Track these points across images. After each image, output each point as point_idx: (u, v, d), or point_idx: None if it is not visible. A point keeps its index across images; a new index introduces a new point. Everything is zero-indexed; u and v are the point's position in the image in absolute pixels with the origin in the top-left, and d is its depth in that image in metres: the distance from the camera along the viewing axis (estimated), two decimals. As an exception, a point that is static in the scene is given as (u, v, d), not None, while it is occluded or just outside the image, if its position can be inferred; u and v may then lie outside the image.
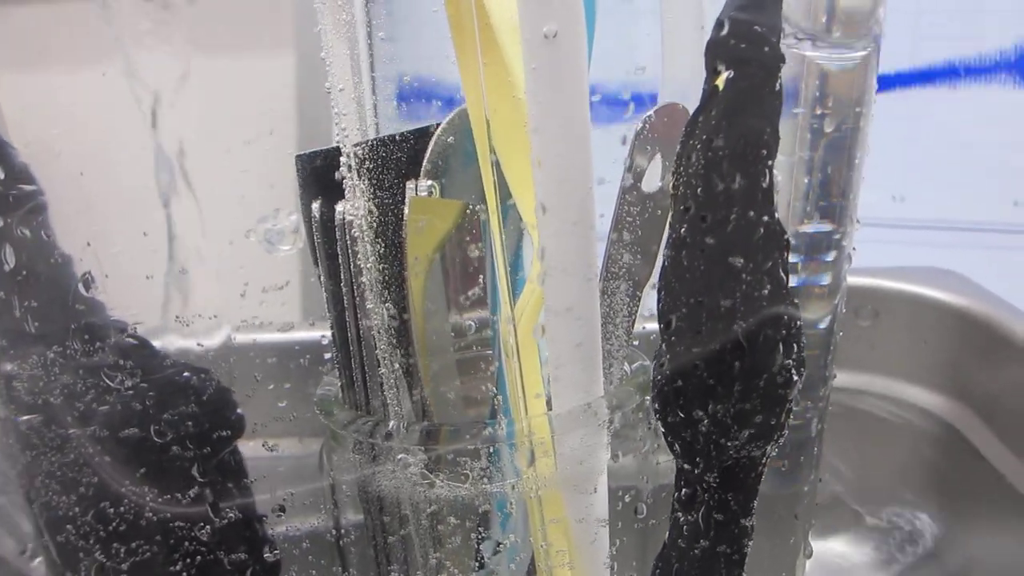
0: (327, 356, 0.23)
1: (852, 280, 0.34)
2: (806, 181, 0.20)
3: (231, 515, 0.21)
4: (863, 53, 0.19)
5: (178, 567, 0.20)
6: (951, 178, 0.53)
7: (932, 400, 0.32)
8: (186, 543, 0.21)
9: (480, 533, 0.20)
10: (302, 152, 0.19)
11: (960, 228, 0.52)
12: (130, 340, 0.21)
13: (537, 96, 0.15)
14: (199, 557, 0.20)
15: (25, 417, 0.19)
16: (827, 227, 0.20)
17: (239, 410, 0.22)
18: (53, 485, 0.19)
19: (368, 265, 0.18)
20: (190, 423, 0.21)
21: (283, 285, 0.23)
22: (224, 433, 0.21)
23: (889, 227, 0.54)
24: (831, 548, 0.31)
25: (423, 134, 0.19)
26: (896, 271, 0.35)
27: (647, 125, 0.18)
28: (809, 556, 0.22)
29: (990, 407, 0.30)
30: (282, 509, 0.21)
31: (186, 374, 0.21)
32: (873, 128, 0.22)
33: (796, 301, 0.18)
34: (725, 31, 0.17)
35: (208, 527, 0.21)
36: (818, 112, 0.19)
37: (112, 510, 0.19)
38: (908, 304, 0.33)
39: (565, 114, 0.15)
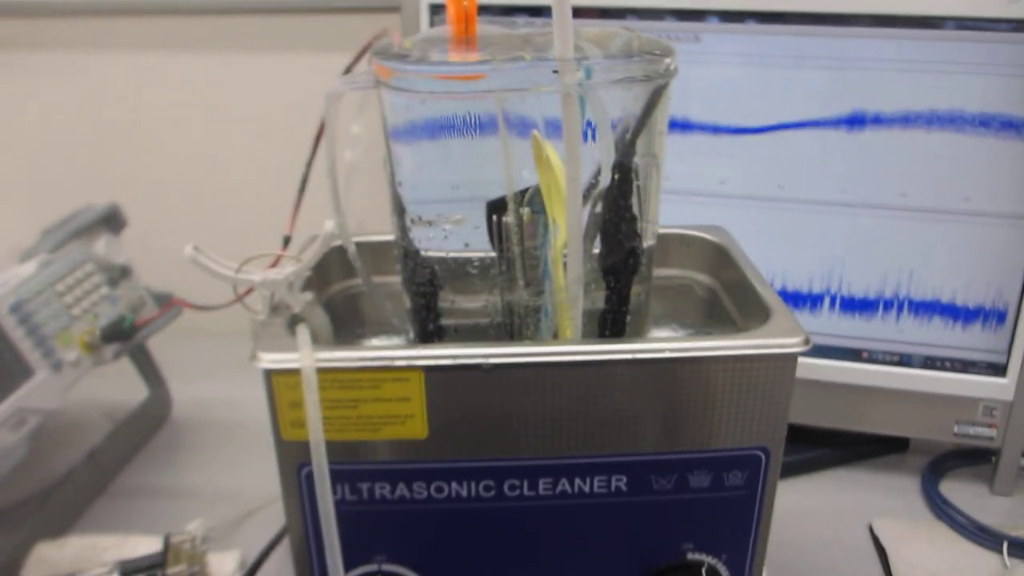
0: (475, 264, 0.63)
1: (680, 230, 0.78)
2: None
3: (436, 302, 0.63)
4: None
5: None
6: (756, 167, 0.93)
7: (706, 280, 0.75)
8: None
9: (541, 316, 0.61)
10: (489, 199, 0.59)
11: (751, 198, 0.94)
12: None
13: (569, 195, 0.55)
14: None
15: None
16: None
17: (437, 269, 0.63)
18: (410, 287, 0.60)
19: (512, 235, 0.58)
20: (430, 277, 0.62)
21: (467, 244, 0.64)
22: (433, 286, 0.62)
23: (712, 197, 0.95)
24: (661, 332, 0.74)
25: (526, 190, 0.59)
26: (698, 226, 0.77)
27: (591, 190, 0.59)
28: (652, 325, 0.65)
29: (726, 283, 0.73)
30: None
31: (427, 266, 0.62)
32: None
33: (641, 240, 0.59)
34: (615, 161, 0.58)
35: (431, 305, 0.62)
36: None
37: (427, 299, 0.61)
38: (701, 242, 0.75)
39: (576, 198, 0.55)
